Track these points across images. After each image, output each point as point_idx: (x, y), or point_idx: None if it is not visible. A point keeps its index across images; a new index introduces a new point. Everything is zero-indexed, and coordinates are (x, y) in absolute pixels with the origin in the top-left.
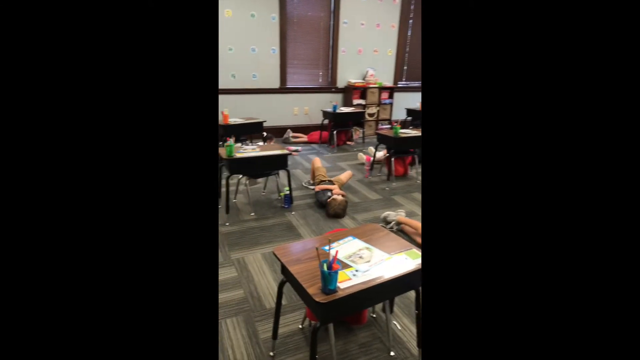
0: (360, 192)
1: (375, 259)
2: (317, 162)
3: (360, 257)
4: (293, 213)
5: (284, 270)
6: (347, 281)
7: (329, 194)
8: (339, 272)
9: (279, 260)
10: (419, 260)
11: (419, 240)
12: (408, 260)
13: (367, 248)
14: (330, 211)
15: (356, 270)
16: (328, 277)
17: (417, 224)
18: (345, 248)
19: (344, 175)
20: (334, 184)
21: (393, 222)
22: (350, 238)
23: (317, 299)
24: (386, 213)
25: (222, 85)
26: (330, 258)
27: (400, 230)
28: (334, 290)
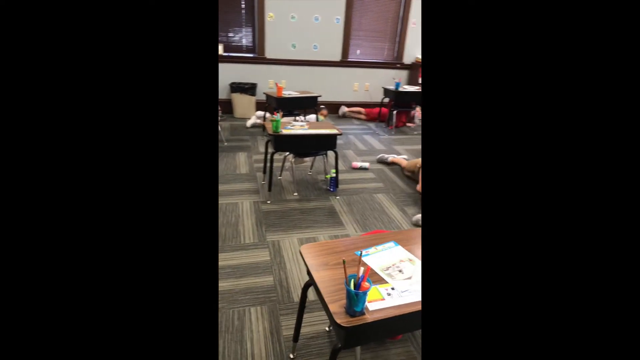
0: (412, 181)
1: (418, 276)
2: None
3: (400, 271)
4: (338, 198)
5: (310, 272)
6: (379, 302)
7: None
8: (370, 289)
9: (304, 260)
10: None
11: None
12: None
13: (410, 260)
14: None
15: (392, 289)
16: (354, 298)
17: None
18: (383, 257)
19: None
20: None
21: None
22: (391, 244)
23: (338, 320)
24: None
25: (281, 55)
26: (360, 274)
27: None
28: (361, 313)
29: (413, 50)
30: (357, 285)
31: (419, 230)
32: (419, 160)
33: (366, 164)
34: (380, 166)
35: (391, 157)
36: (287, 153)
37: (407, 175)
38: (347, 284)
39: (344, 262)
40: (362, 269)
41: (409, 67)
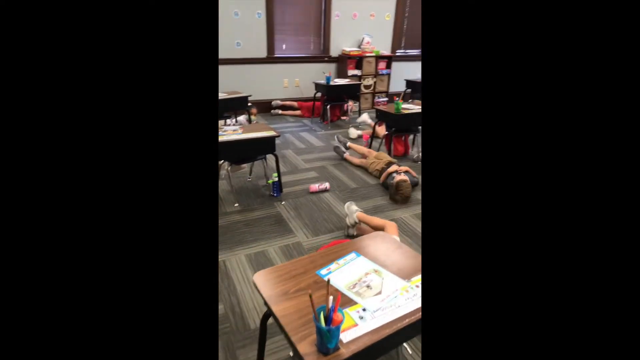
0: (357, 175)
1: (387, 289)
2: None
3: (368, 287)
4: (283, 203)
5: (267, 304)
6: (352, 329)
7: (394, 175)
8: (344, 321)
9: (260, 293)
10: None
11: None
12: None
13: (376, 271)
14: (400, 196)
15: (363, 310)
16: (327, 335)
17: (377, 222)
18: (347, 272)
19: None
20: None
21: (352, 226)
22: (353, 255)
23: None
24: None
25: None
26: (330, 304)
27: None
28: (335, 348)
29: (339, 43)
30: (329, 319)
31: (379, 233)
32: (375, 155)
33: (326, 184)
34: (322, 163)
35: (348, 143)
36: (222, 161)
37: (370, 171)
38: (317, 319)
39: (310, 296)
40: (330, 297)
41: (337, 60)
